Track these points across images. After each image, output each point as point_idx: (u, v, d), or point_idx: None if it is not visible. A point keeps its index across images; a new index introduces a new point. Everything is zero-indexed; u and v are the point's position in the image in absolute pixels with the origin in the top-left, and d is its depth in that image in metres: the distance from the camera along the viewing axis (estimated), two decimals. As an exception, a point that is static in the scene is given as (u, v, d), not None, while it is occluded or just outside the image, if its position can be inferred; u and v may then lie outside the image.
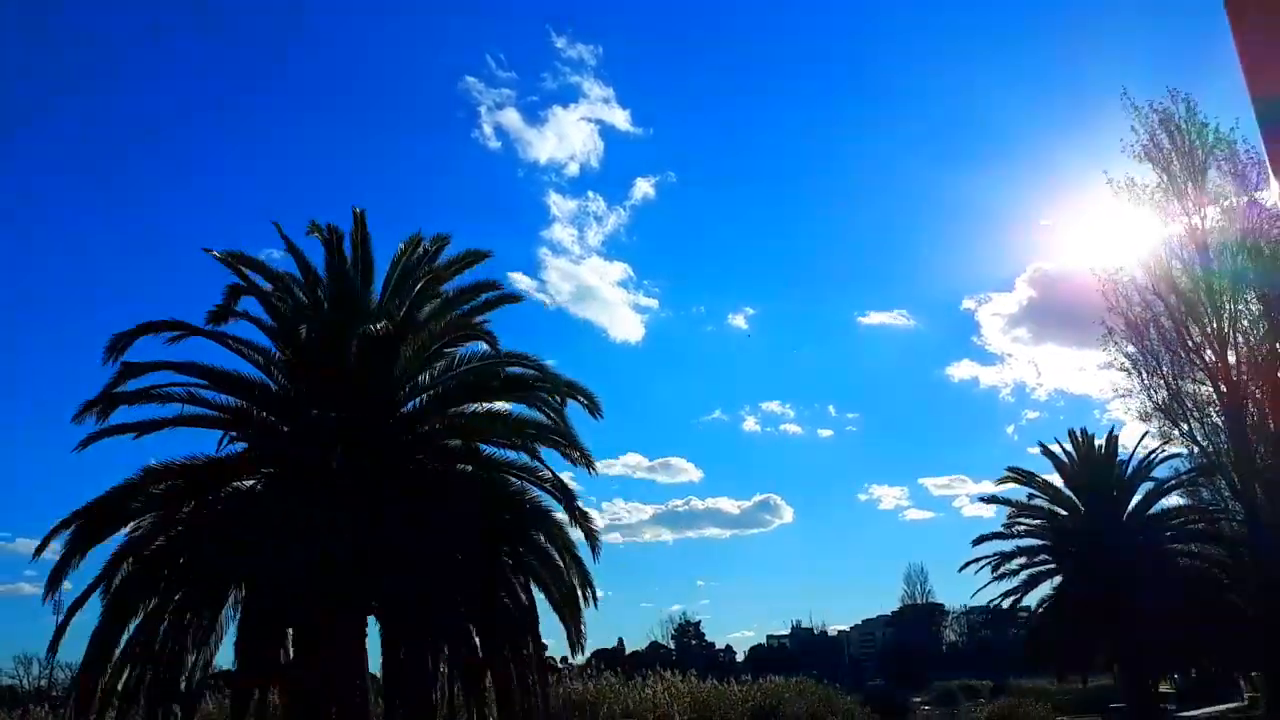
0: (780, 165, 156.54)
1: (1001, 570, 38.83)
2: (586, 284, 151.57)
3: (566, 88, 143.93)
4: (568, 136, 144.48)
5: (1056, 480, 39.78)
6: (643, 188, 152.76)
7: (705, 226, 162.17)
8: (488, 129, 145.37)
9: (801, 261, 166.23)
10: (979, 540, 38.85)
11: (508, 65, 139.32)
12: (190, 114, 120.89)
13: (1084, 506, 38.44)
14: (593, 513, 18.95)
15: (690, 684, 30.55)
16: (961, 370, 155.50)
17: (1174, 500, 39.93)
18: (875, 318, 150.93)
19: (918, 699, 61.31)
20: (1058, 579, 38.71)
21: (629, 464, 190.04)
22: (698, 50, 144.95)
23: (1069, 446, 39.80)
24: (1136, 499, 38.63)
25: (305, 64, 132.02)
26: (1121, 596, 35.73)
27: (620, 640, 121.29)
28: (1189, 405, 40.72)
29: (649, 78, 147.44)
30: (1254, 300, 40.56)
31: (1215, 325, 41.17)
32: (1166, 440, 39.86)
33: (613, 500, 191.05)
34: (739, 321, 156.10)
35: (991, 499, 39.59)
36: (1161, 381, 40.78)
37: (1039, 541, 38.84)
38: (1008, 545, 39.05)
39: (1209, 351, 39.81)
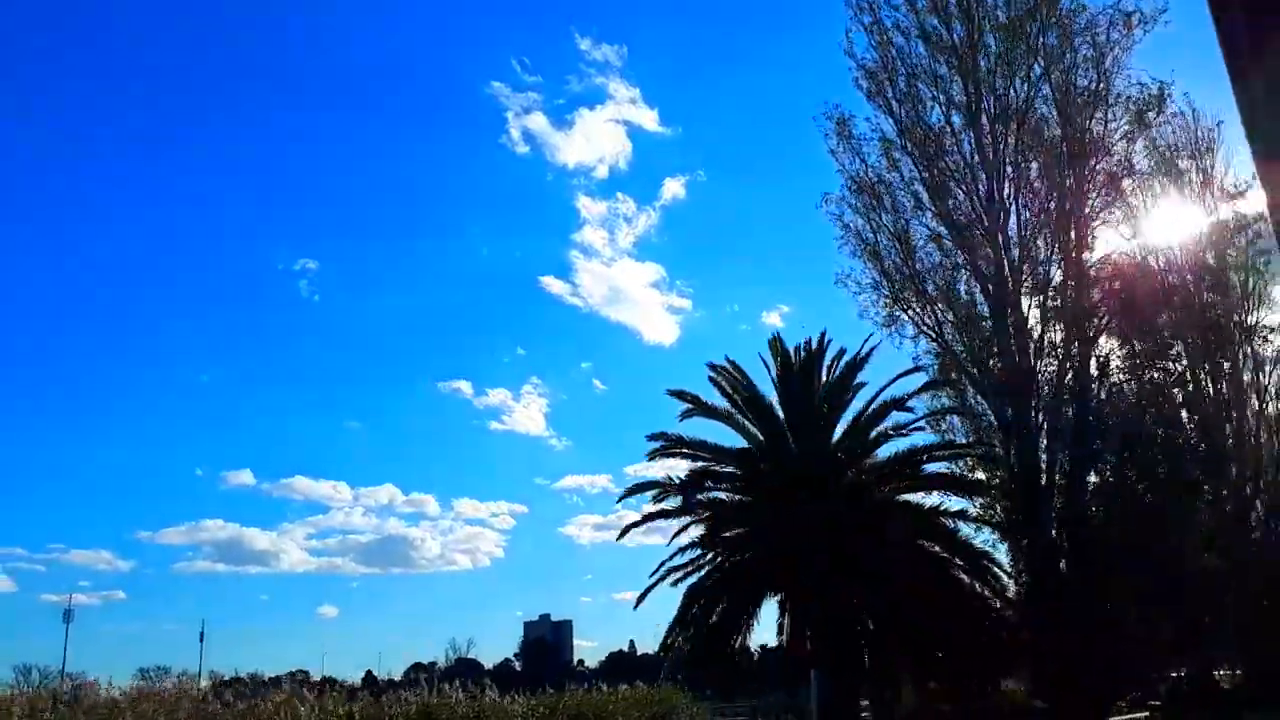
0: (809, 159, 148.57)
1: (675, 542, 25.37)
2: (619, 286, 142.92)
3: (592, 89, 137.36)
4: (595, 138, 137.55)
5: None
6: (672, 187, 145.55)
7: (736, 224, 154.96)
8: (515, 133, 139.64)
9: (835, 257, 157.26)
10: (631, 491, 25.47)
11: (533, 69, 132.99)
12: (215, 122, 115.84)
13: (770, 444, 25.35)
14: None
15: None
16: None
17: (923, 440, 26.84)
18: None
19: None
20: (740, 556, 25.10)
21: (668, 466, 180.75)
22: (723, 47, 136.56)
23: (769, 359, 26.69)
24: (857, 431, 25.44)
25: (332, 73, 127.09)
26: (817, 576, 22.77)
27: (631, 642, 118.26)
28: (942, 301, 27.98)
29: (675, 76, 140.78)
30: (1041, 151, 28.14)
31: (985, 184, 28.71)
32: (902, 335, 27.10)
33: (652, 502, 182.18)
34: (774, 320, 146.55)
35: (660, 436, 26.23)
36: (901, 258, 28.09)
37: (708, 495, 25.34)
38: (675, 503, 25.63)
39: (961, 197, 27.14)
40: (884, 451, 25.69)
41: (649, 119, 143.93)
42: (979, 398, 26.69)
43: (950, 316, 26.74)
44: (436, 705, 33.60)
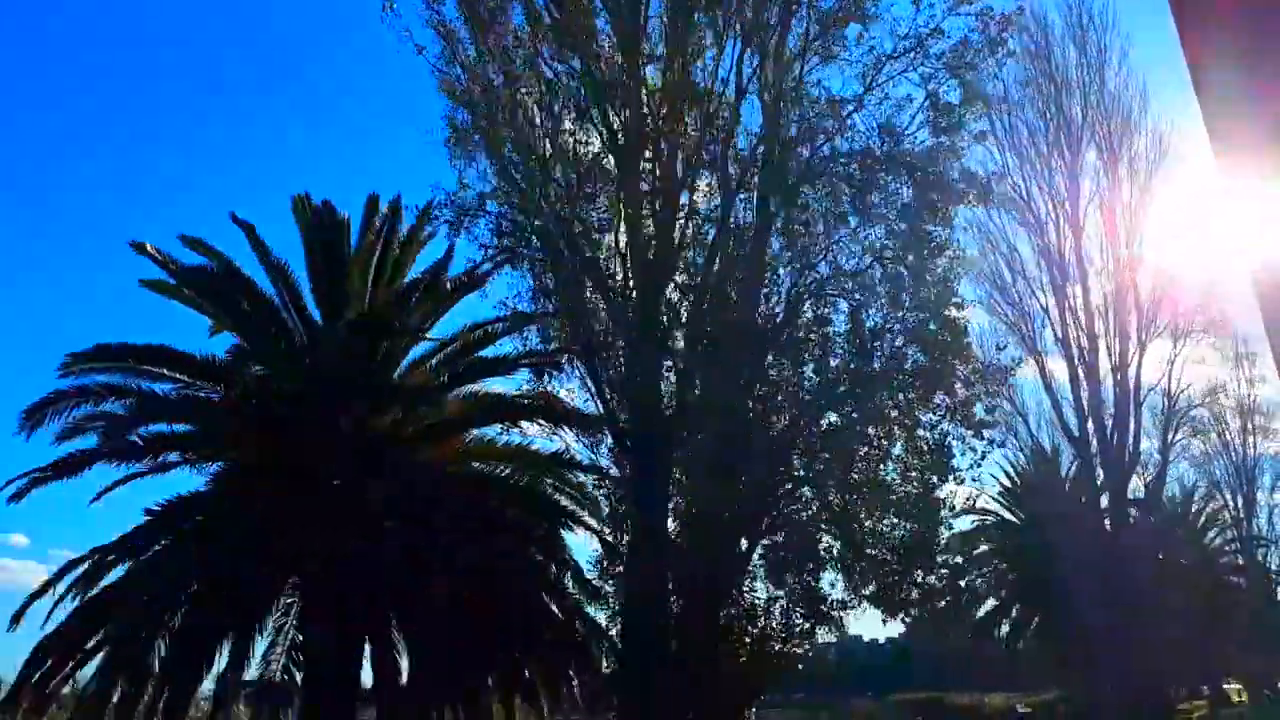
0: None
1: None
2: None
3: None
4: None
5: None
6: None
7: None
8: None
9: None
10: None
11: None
12: (208, 109, 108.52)
13: (255, 346, 16.89)
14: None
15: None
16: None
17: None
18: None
19: None
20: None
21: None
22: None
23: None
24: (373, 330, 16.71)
25: (343, 64, 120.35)
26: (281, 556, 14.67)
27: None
28: (514, 130, 18.78)
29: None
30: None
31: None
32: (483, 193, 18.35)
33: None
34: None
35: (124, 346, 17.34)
36: (491, 80, 19.21)
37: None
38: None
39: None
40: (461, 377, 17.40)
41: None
42: (589, 288, 17.97)
43: (555, 166, 17.95)
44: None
